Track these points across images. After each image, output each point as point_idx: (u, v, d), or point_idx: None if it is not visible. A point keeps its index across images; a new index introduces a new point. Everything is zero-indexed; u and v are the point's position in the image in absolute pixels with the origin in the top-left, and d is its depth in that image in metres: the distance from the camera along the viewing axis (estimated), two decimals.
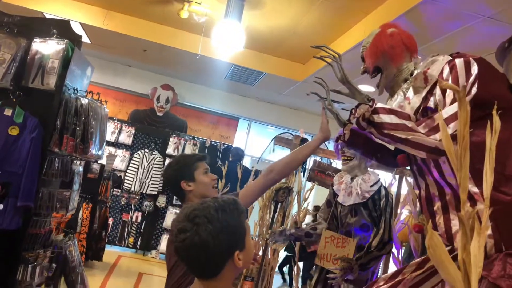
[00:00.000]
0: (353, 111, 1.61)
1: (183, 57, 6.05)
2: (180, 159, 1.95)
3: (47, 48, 2.65)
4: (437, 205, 1.54)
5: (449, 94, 1.44)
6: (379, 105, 1.55)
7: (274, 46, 5.58)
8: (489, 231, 1.33)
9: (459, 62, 1.46)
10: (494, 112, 0.96)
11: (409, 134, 1.43)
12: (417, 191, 1.69)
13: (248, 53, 5.73)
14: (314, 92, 2.04)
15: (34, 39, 2.64)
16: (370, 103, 1.56)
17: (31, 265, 2.46)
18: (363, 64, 1.85)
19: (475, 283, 0.93)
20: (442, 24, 3.53)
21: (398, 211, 2.99)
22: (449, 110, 1.40)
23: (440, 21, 3.49)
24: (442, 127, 0.83)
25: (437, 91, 1.49)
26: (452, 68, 1.47)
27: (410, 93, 1.61)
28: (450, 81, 1.46)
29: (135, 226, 6.78)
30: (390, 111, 1.51)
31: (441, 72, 1.50)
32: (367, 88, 5.69)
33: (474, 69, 1.42)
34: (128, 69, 7.44)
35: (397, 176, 3.58)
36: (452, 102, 1.41)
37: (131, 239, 6.75)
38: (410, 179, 2.82)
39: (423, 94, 1.55)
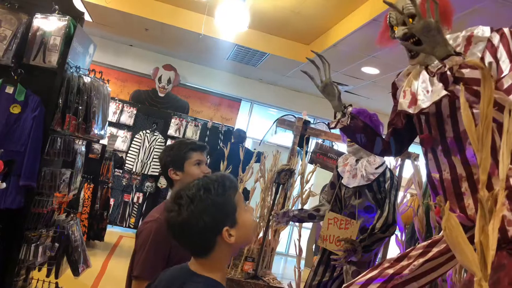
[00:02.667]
0: (430, 68, 1.47)
1: (186, 37, 5.97)
2: (175, 145, 1.87)
3: (49, 24, 2.59)
4: (465, 186, 1.50)
5: (505, 61, 1.37)
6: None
7: (278, 26, 5.49)
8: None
9: (507, 30, 1.41)
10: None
11: (496, 92, 1.29)
12: (437, 175, 1.62)
13: (251, 33, 5.64)
14: (304, 71, 1.95)
15: (36, 15, 2.59)
16: (463, 55, 1.36)
17: (34, 244, 2.46)
18: (400, 25, 1.62)
19: (489, 266, 0.91)
20: (452, 4, 3.45)
21: (401, 194, 2.98)
22: (509, 78, 1.35)
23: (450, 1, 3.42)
24: (463, 105, 0.80)
25: (487, 59, 1.41)
26: (502, 35, 1.41)
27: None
28: (500, 48, 1.40)
29: (137, 206, 6.80)
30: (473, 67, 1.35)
31: (490, 40, 1.44)
32: (372, 70, 5.64)
33: None
34: (130, 48, 7.36)
35: (399, 159, 3.57)
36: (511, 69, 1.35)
37: (133, 220, 6.78)
38: (416, 162, 2.80)
39: (478, 54, 1.44)
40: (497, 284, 1.27)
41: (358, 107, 2.76)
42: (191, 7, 5.42)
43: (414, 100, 1.63)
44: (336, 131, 2.03)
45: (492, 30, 1.45)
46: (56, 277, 2.77)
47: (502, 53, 1.40)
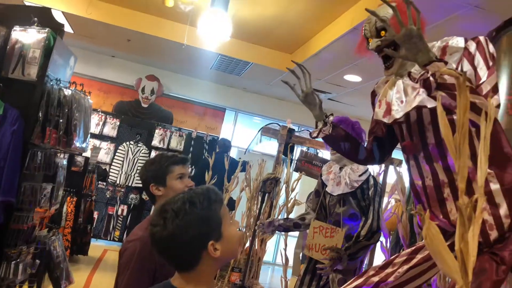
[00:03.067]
0: (412, 73, 1.49)
1: (169, 47, 5.96)
2: (156, 160, 1.81)
3: (28, 37, 2.56)
4: (447, 191, 1.52)
5: (482, 68, 1.41)
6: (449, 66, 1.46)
7: (261, 36, 5.52)
8: (506, 212, 1.36)
9: (482, 38, 1.45)
10: (489, 99, 0.95)
11: (476, 97, 1.32)
12: (419, 181, 1.63)
13: (235, 42, 5.66)
14: (285, 81, 1.97)
15: (14, 28, 2.56)
16: (443, 62, 1.37)
17: (14, 262, 2.40)
18: (374, 38, 1.66)
19: (471, 273, 0.92)
20: (430, 13, 3.51)
21: (386, 200, 3.00)
22: (487, 84, 1.39)
23: (428, 10, 3.47)
24: (441, 113, 0.81)
25: (465, 66, 1.45)
26: (478, 44, 1.45)
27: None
28: (477, 56, 1.44)
29: (121, 219, 6.70)
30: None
31: (466, 48, 1.47)
32: (354, 78, 5.69)
33: (491, 47, 1.42)
34: (112, 59, 7.30)
35: (383, 166, 3.60)
36: (489, 75, 1.39)
37: (117, 233, 6.68)
38: (398, 168, 2.82)
39: (453, 65, 1.46)
40: None
41: (341, 115, 2.78)
42: (174, 18, 5.41)
43: (388, 110, 1.65)
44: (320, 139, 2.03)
45: (466, 41, 1.49)
46: None
47: (479, 61, 1.43)
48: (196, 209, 1.09)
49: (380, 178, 3.54)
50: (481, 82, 1.41)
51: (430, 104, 1.44)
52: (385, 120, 1.67)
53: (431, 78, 1.37)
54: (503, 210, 1.37)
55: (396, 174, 2.63)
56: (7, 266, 2.35)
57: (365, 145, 1.97)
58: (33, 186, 2.56)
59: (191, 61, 6.47)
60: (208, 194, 1.13)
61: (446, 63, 1.36)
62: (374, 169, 3.14)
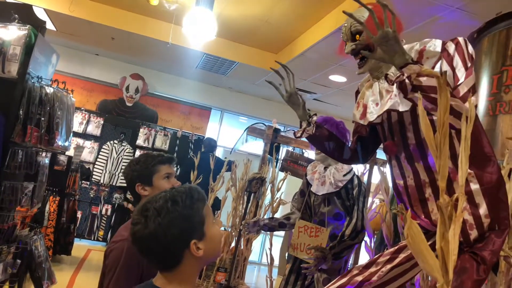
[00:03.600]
0: (389, 76, 1.48)
1: (153, 46, 5.91)
2: (141, 159, 1.77)
3: (8, 33, 2.51)
4: (428, 191, 1.53)
5: (460, 69, 1.42)
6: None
7: (246, 35, 5.52)
8: (485, 211, 1.37)
9: (461, 39, 1.47)
10: (469, 99, 0.96)
11: (453, 100, 1.32)
12: (401, 181, 1.65)
13: (220, 41, 5.64)
14: (269, 81, 1.96)
15: None
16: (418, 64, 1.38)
17: None
18: (349, 42, 1.70)
19: (451, 272, 0.93)
20: (412, 15, 3.55)
21: (370, 200, 3.02)
22: (464, 85, 1.40)
23: (410, 12, 3.52)
24: (422, 113, 0.81)
25: (444, 67, 1.46)
26: (457, 45, 1.46)
27: None
28: (456, 57, 1.45)
29: (105, 219, 6.63)
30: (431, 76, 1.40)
31: (445, 49, 1.48)
32: (339, 78, 5.73)
33: (471, 48, 1.44)
34: (96, 58, 7.22)
35: (367, 166, 3.63)
36: (467, 76, 1.41)
37: (101, 232, 6.60)
38: (382, 168, 2.85)
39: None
40: (460, 287, 1.30)
41: (325, 115, 2.79)
42: (158, 16, 5.37)
43: (364, 113, 1.67)
44: (304, 139, 2.04)
45: (444, 43, 1.50)
46: None
47: (457, 62, 1.45)
48: (179, 207, 1.07)
49: (365, 178, 3.57)
50: (459, 83, 1.43)
51: (402, 108, 1.47)
52: (361, 122, 1.71)
53: (406, 81, 1.38)
54: (482, 209, 1.39)
55: (380, 174, 2.65)
56: None
57: (349, 145, 1.98)
58: (13, 185, 2.51)
59: (176, 60, 6.43)
60: (191, 193, 1.12)
61: (421, 65, 1.37)
62: (358, 169, 3.15)
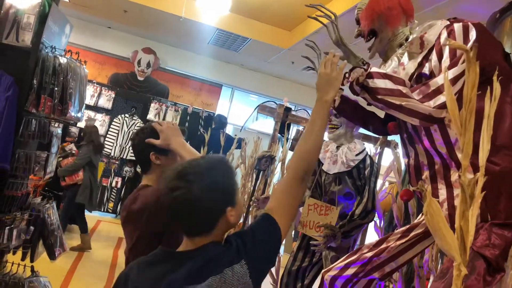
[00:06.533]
0: (346, 75, 1.55)
1: (166, 20, 5.85)
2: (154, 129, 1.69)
3: (22, 2, 2.49)
4: (425, 174, 1.53)
5: (445, 61, 1.41)
6: (373, 69, 1.50)
7: (260, 11, 5.43)
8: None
9: (457, 26, 1.43)
10: (495, 78, 0.93)
11: (404, 100, 1.40)
12: (405, 160, 1.68)
13: (233, 17, 5.57)
14: (305, 56, 1.96)
15: None
16: (365, 67, 1.51)
17: (8, 227, 2.39)
18: (357, 27, 1.77)
19: (468, 251, 0.92)
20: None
21: (381, 181, 3.01)
22: (438, 80, 1.38)
23: None
24: (447, 89, 0.79)
25: (433, 57, 1.45)
26: (450, 33, 1.43)
27: (405, 58, 1.57)
28: (447, 47, 1.42)
29: (115, 191, 6.71)
30: (385, 76, 1.47)
31: (439, 37, 1.46)
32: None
33: (472, 35, 1.39)
34: (108, 30, 7.18)
35: (378, 147, 3.60)
36: (449, 68, 1.38)
37: (111, 204, 6.70)
38: (396, 150, 2.82)
39: (419, 59, 1.51)
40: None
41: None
42: None
43: None
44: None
45: (451, 23, 1.46)
46: (32, 260, 2.71)
47: (445, 52, 1.43)
48: (219, 174, 1.11)
49: (376, 159, 3.54)
50: (438, 75, 1.42)
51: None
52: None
53: (354, 84, 1.50)
54: None
55: (393, 155, 2.63)
56: (1, 231, 2.35)
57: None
58: (27, 153, 2.53)
59: (189, 35, 6.37)
60: (225, 161, 1.18)
61: (365, 69, 1.49)
62: (371, 149, 3.13)
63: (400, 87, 1.43)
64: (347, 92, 1.80)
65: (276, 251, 1.20)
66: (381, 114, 1.97)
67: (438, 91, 1.37)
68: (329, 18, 1.72)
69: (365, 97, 1.52)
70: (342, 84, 1.55)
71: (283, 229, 1.18)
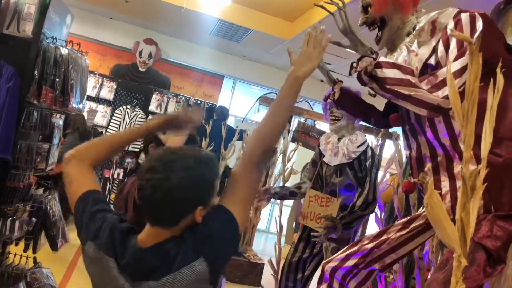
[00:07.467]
0: (354, 64, 1.52)
1: (168, 10, 5.82)
2: None
3: None
4: (428, 166, 1.53)
5: (453, 51, 1.39)
6: (382, 58, 1.48)
7: (262, 2, 5.40)
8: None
9: (464, 16, 1.41)
10: (498, 70, 0.92)
11: (412, 90, 1.38)
12: (407, 152, 1.67)
13: (235, 8, 5.53)
14: (336, 42, 1.85)
15: None
16: (374, 56, 1.48)
17: (10, 218, 2.40)
18: (362, 14, 1.70)
19: (469, 242, 0.92)
20: None
21: (382, 173, 3.01)
22: (452, 66, 1.36)
23: None
24: (450, 81, 0.79)
25: (440, 47, 1.44)
26: (457, 23, 1.42)
27: (415, 46, 1.55)
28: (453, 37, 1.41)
29: (117, 182, 6.72)
30: (394, 65, 1.44)
31: (445, 27, 1.45)
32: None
33: (479, 25, 1.38)
34: (110, 21, 7.14)
35: (380, 139, 3.60)
36: (456, 59, 1.36)
37: (113, 196, 6.71)
38: (397, 142, 2.82)
39: (433, 43, 1.48)
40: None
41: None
42: None
43: None
44: (319, 111, 2.07)
45: (458, 13, 1.45)
46: (34, 251, 2.73)
47: (452, 42, 1.42)
48: (205, 170, 1.06)
49: (377, 151, 3.55)
50: (446, 66, 1.40)
51: None
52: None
53: (362, 73, 1.46)
54: None
55: (394, 146, 2.63)
56: (4, 222, 2.36)
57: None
58: (29, 145, 2.54)
59: (190, 25, 6.34)
60: (212, 160, 1.11)
61: (374, 58, 1.45)
62: (372, 141, 3.13)
63: (409, 77, 1.41)
64: (352, 83, 1.79)
65: (235, 243, 1.15)
66: (380, 107, 1.97)
67: (446, 81, 1.36)
68: (337, 5, 1.70)
69: (372, 86, 1.49)
70: (350, 74, 1.52)
71: (239, 219, 1.10)
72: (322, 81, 6.97)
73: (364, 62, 1.45)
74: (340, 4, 1.73)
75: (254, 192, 1.21)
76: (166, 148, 1.14)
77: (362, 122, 2.73)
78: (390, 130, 3.18)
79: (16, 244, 2.66)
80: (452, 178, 1.43)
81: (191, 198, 1.03)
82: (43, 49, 2.50)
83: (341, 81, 2.01)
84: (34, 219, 2.62)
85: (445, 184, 1.45)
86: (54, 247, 2.78)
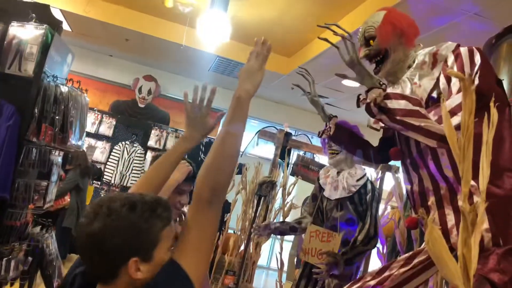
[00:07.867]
0: (361, 96, 1.51)
1: (167, 48, 5.93)
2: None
3: (25, 32, 2.54)
4: (431, 199, 1.51)
5: (455, 83, 1.40)
6: (390, 90, 1.48)
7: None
8: (486, 225, 1.31)
9: (463, 50, 1.44)
10: (491, 104, 0.93)
11: (422, 121, 1.36)
12: (408, 186, 1.65)
13: (233, 44, 5.64)
14: (296, 85, 1.99)
15: (12, 23, 2.54)
16: (383, 87, 1.47)
17: (6, 258, 2.37)
18: (364, 47, 1.70)
19: (472, 279, 0.91)
20: (429, 20, 3.52)
21: (383, 207, 2.99)
22: (456, 99, 1.36)
23: (427, 17, 3.49)
24: (445, 116, 0.80)
25: (442, 79, 1.45)
26: (457, 56, 1.44)
27: (417, 79, 1.55)
28: (455, 70, 1.42)
29: None
30: (403, 97, 1.43)
31: (446, 61, 1.47)
32: (353, 83, 5.69)
33: (478, 59, 1.40)
34: (110, 59, 7.27)
35: (380, 172, 3.59)
36: (458, 91, 1.37)
37: None
38: (397, 175, 2.81)
39: (436, 74, 1.49)
40: None
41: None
42: (172, 18, 5.39)
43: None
44: (318, 144, 2.10)
45: (456, 48, 1.48)
46: None
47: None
48: (134, 217, 0.94)
49: (377, 184, 3.53)
50: (450, 97, 1.41)
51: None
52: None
53: (371, 105, 1.44)
54: (485, 224, 1.33)
55: (394, 180, 2.62)
56: None
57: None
58: (26, 182, 2.53)
59: (189, 62, 6.45)
60: (156, 206, 0.98)
61: (384, 89, 1.45)
62: (372, 174, 3.12)
63: (418, 108, 1.40)
64: (359, 115, 1.82)
65: None
66: (374, 143, 1.98)
67: (454, 112, 1.36)
68: (344, 37, 1.65)
69: (382, 118, 1.46)
70: (358, 106, 1.51)
71: (194, 273, 0.97)
72: None
73: (374, 94, 1.43)
74: (346, 35, 1.71)
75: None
76: (116, 193, 1.05)
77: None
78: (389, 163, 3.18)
79: (11, 285, 2.60)
80: (457, 211, 1.41)
81: (115, 246, 0.92)
82: (43, 87, 2.55)
83: (336, 116, 2.03)
84: (30, 258, 2.58)
85: (451, 218, 1.43)
86: (50, 287, 2.72)
